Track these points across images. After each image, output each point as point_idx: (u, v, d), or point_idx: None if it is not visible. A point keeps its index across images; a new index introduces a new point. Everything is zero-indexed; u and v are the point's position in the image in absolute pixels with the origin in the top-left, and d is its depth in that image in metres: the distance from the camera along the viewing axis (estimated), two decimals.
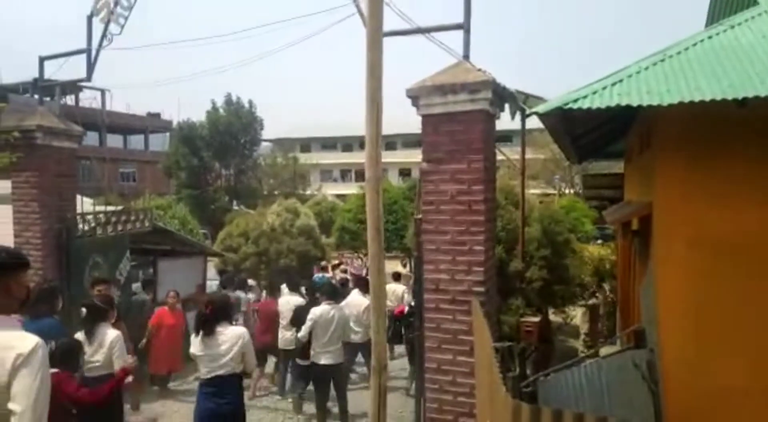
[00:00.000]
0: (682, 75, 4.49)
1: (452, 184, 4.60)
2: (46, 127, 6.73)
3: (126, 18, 6.47)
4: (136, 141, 50.09)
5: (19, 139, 6.66)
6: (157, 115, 49.96)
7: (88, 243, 7.36)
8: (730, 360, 4.50)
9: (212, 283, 11.56)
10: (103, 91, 42.28)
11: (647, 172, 5.79)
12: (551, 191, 34.30)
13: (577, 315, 10.47)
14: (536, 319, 6.48)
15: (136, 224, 8.59)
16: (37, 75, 7.15)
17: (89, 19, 6.68)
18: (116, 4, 6.47)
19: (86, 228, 7.55)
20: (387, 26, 5.07)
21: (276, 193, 38.20)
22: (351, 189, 43.79)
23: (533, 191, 31.19)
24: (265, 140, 44.08)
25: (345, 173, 54.29)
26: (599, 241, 18.81)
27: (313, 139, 55.42)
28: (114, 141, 47.65)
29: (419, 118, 4.77)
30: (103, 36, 6.60)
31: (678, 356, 4.66)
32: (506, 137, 30.81)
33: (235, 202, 37.13)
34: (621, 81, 4.61)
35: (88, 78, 6.82)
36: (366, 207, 3.26)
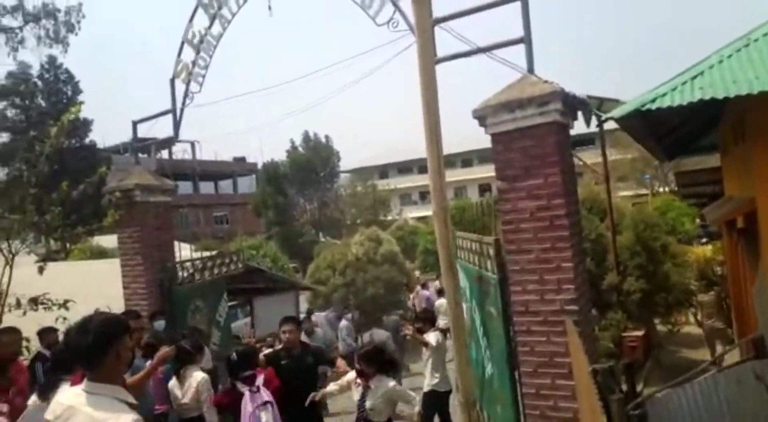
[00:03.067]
0: None
1: (530, 201, 4.47)
2: (142, 185, 7.28)
3: (203, 76, 6.94)
4: (226, 185, 53.05)
5: (121, 198, 7.24)
6: (243, 159, 52.77)
7: (188, 290, 7.81)
8: None
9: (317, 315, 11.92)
10: (192, 143, 45.36)
11: (746, 166, 5.36)
12: (643, 191, 32.47)
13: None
14: (640, 333, 6.08)
15: (231, 266, 9.02)
16: (132, 136, 7.85)
17: (172, 81, 7.22)
18: (194, 65, 6.96)
19: (185, 274, 8.03)
20: (448, 49, 5.12)
21: (358, 221, 38.93)
22: (431, 210, 43.69)
23: (623, 193, 29.57)
24: (344, 171, 45.25)
25: (424, 195, 54.32)
26: (704, 240, 17.49)
27: (389, 165, 56.12)
28: (206, 187, 50.78)
29: None
30: (186, 95, 7.10)
31: None
32: (588, 140, 29.48)
33: (320, 234, 38.17)
34: (702, 73, 4.35)
35: (176, 135, 7.35)
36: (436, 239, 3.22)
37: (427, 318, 7.51)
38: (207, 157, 49.07)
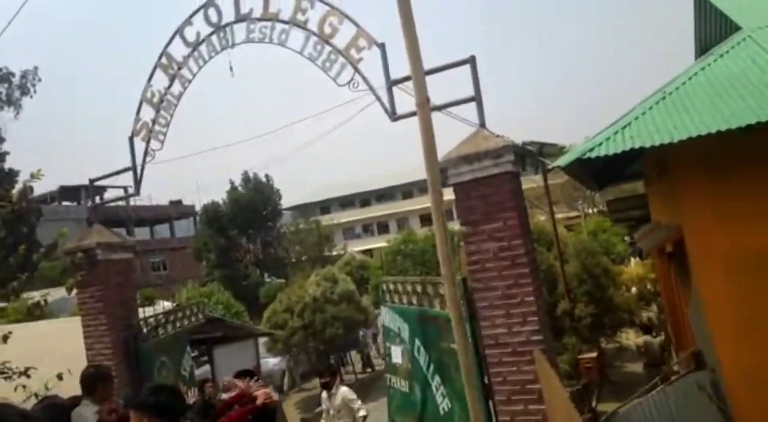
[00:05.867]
0: (685, 110, 4.86)
1: (492, 243, 4.93)
2: (104, 243, 7.25)
3: (164, 134, 7.08)
4: (162, 230, 51.45)
5: (82, 257, 7.18)
6: (179, 202, 51.48)
7: (153, 346, 7.74)
8: None
9: (267, 361, 11.84)
10: (126, 188, 43.85)
11: (671, 197, 6.07)
12: (573, 214, 34.29)
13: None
14: (594, 355, 6.63)
15: (191, 318, 9.01)
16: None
17: (131, 139, 7.32)
18: (154, 123, 7.11)
19: (147, 330, 7.96)
20: (406, 106, 5.57)
21: (303, 258, 38.79)
22: (376, 242, 44.21)
23: (556, 216, 31.18)
24: (286, 209, 45.06)
25: (367, 227, 54.93)
26: (635, 258, 18.70)
27: (331, 200, 56.46)
28: (141, 233, 49.02)
29: None
30: (146, 153, 7.21)
31: (738, 372, 4.80)
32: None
33: (265, 275, 37.67)
34: (629, 124, 4.99)
35: (137, 192, 7.41)
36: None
37: (332, 371, 7.65)
38: (141, 201, 47.56)
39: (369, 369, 15.88)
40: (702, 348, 5.32)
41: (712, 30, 7.44)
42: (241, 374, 5.76)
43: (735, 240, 4.87)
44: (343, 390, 7.25)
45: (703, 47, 7.91)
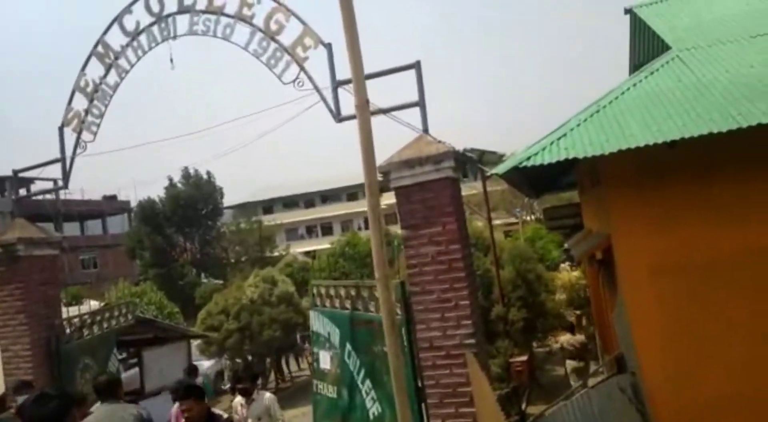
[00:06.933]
0: (617, 124, 5.07)
1: (431, 246, 4.99)
2: (26, 238, 6.85)
3: (98, 126, 6.77)
4: (94, 225, 49.11)
5: (2, 253, 6.76)
6: (114, 197, 49.31)
7: (76, 347, 7.39)
8: (707, 372, 4.91)
9: (201, 363, 11.48)
10: (55, 181, 41.57)
11: (601, 206, 6.33)
12: (512, 220, 35.23)
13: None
14: (524, 358, 6.81)
15: (120, 319, 8.64)
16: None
17: (61, 129, 6.95)
18: (87, 113, 6.78)
19: (71, 330, 7.58)
20: (352, 108, 5.55)
21: (243, 259, 37.96)
22: (319, 244, 43.89)
23: (495, 222, 31.94)
24: (227, 207, 44.00)
25: (311, 229, 54.45)
26: (567, 264, 19.39)
27: (274, 200, 55.62)
28: (71, 229, 46.58)
29: None
30: (77, 144, 6.87)
31: (659, 375, 5.05)
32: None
33: (203, 275, 36.64)
34: (565, 135, 5.16)
35: (65, 185, 7.04)
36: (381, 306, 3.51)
37: (252, 377, 7.09)
38: (72, 195, 45.21)
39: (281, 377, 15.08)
40: (624, 352, 5.57)
41: (645, 48, 7.84)
42: (185, 396, 4.44)
43: (660, 248, 5.11)
44: (268, 396, 6.72)
45: (636, 64, 8.31)
